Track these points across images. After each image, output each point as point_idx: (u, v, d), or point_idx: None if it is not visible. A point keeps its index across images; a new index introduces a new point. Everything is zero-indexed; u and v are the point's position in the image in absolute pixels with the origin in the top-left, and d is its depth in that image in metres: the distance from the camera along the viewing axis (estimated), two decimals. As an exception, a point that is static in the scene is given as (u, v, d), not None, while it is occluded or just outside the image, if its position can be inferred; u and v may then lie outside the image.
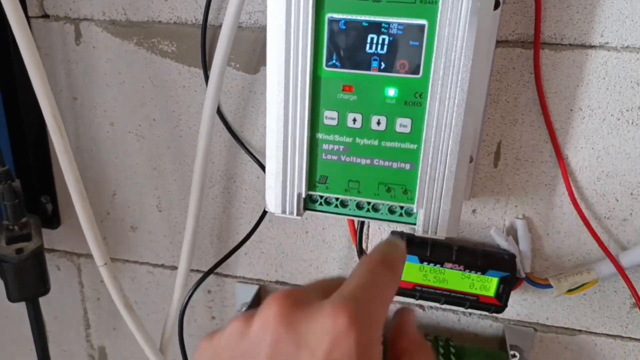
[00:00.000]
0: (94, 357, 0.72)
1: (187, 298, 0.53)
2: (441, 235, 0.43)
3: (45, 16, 0.55)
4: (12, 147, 0.58)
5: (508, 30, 0.45)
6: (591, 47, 0.44)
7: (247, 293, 0.61)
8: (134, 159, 0.59)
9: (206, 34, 0.50)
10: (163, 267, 0.64)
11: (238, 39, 0.50)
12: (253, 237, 0.59)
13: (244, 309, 0.58)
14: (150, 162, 0.58)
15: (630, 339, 0.53)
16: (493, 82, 0.47)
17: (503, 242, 0.50)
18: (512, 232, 0.51)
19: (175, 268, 0.62)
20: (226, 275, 0.62)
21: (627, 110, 0.45)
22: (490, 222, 0.52)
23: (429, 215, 0.43)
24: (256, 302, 0.61)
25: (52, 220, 0.64)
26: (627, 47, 0.43)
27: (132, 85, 0.55)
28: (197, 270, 0.62)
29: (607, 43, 0.44)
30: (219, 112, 0.54)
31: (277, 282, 0.61)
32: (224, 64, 0.48)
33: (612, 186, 0.48)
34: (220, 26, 0.46)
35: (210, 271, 0.53)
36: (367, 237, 0.56)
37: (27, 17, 0.54)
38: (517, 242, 0.50)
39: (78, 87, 0.57)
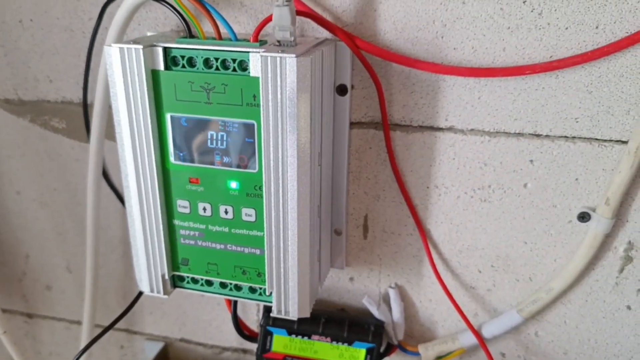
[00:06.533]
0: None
1: (79, 354, 0.55)
2: (293, 316, 0.45)
3: (-53, 95, 0.58)
4: None
5: (360, 113, 0.46)
6: (439, 129, 0.45)
7: (154, 349, 0.64)
8: (41, 225, 0.61)
9: (88, 112, 0.53)
10: (78, 324, 0.67)
11: (119, 118, 0.52)
12: (156, 297, 0.61)
13: (148, 366, 0.61)
14: (55, 228, 0.61)
15: (509, 401, 0.54)
16: (353, 161, 0.48)
17: (375, 311, 0.51)
18: (388, 299, 0.53)
19: (88, 325, 0.65)
20: (135, 332, 0.65)
21: (479, 189, 0.46)
22: (367, 289, 0.53)
23: (281, 296, 0.44)
24: (162, 357, 0.63)
25: (-26, 279, 0.67)
26: (472, 130, 0.45)
27: (30, 158, 0.58)
28: (107, 327, 0.64)
29: (453, 126, 0.45)
30: (110, 183, 0.56)
31: (181, 339, 0.63)
32: (101, 140, 0.51)
33: (473, 259, 0.49)
34: (90, 113, 0.48)
35: (108, 329, 0.55)
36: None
37: None
38: (390, 311, 0.52)
39: (-16, 159, 0.60)
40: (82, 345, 0.60)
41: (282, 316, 0.45)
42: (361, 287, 0.53)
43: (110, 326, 0.57)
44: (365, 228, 0.51)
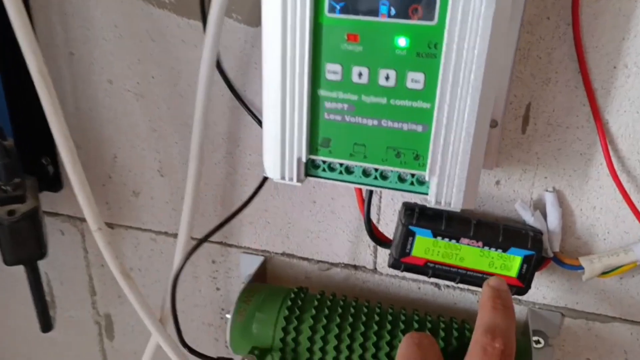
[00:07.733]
0: (100, 324, 0.71)
1: (179, 267, 0.49)
2: (456, 207, 0.38)
3: (38, -36, 0.51)
4: (8, 105, 0.56)
5: (543, -28, 0.39)
6: (642, -8, 0.38)
7: (252, 264, 0.58)
8: (134, 120, 0.55)
9: (204, -19, 0.46)
10: (166, 235, 0.61)
11: (239, -14, 0.45)
12: (258, 205, 0.55)
13: (248, 281, 0.55)
14: (150, 123, 0.55)
15: (672, 329, 0.47)
16: (523, 35, 0.41)
17: (529, 217, 0.45)
18: (540, 206, 0.46)
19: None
20: (231, 245, 0.59)
21: (682, 68, 0.39)
22: (516, 194, 0.46)
23: (443, 184, 0.38)
24: (260, 274, 0.58)
25: (54, 182, 0.61)
26: (685, -9, 0.37)
27: (129, 40, 0.51)
28: (205, 238, 0.58)
29: (661, -13, 0.37)
30: (220, 68, 0.49)
31: (283, 253, 0.57)
32: (221, 14, 0.44)
33: (658, 156, 0.42)
34: (215, -30, 0.42)
35: (205, 239, 0.50)
36: (379, 208, 0.51)
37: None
38: (545, 218, 0.45)
39: (75, 42, 0.53)
40: (175, 257, 0.54)
41: (442, 207, 0.38)
42: (509, 192, 0.46)
43: (208, 236, 0.52)
44: (526, 120, 0.43)
